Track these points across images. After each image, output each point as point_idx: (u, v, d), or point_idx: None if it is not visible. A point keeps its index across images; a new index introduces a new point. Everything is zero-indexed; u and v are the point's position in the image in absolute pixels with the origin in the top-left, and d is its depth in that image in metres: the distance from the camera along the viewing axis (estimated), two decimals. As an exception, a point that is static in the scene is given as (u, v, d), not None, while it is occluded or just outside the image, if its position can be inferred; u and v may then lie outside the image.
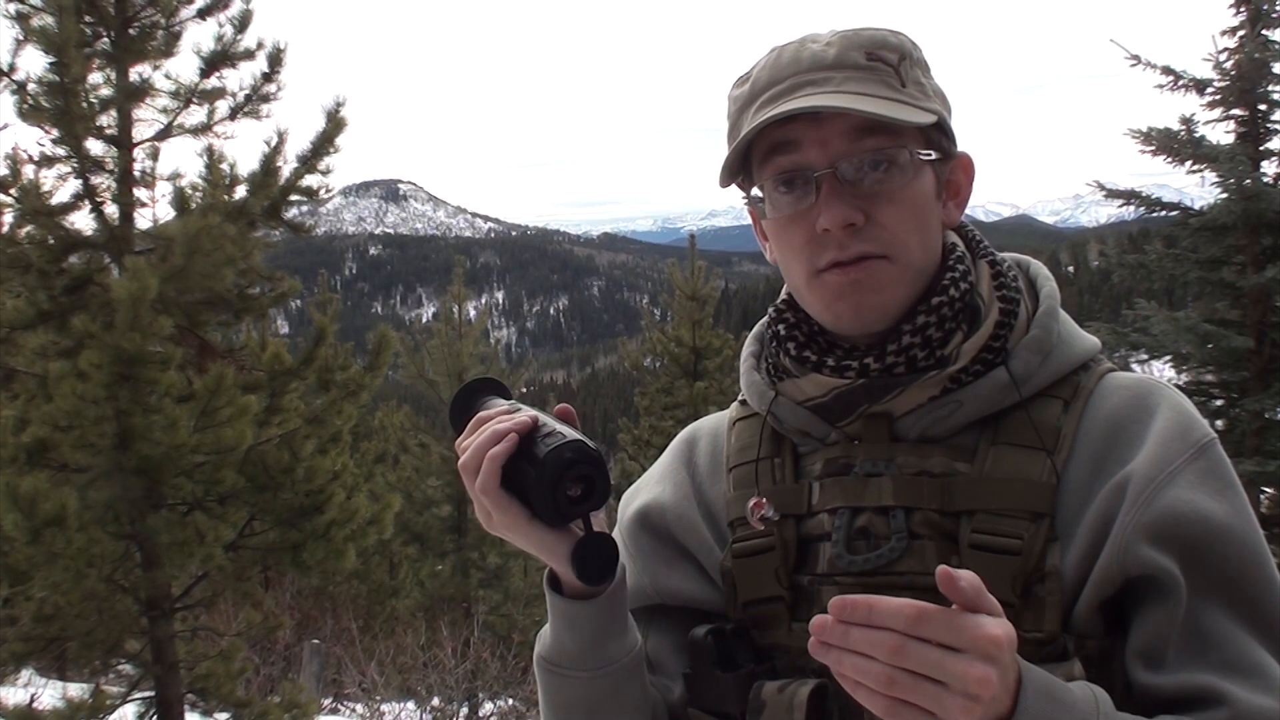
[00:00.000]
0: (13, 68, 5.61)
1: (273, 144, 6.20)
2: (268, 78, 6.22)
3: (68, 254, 5.81)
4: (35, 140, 5.66)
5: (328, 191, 6.40)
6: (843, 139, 1.03)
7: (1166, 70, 8.50)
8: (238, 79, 6.20)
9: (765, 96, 1.06)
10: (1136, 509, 0.99)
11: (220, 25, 6.12)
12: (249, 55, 6.20)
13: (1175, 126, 8.35)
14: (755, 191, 1.10)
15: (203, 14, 6.17)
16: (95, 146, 5.80)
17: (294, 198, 6.24)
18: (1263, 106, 8.32)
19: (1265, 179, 8.12)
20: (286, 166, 6.21)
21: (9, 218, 5.77)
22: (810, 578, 1.08)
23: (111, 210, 5.90)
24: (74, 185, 5.79)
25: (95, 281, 5.76)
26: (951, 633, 0.79)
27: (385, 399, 19.72)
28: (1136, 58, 8.64)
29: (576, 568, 1.02)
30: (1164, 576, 0.97)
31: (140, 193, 6.00)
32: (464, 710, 10.43)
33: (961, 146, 1.12)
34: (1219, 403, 8.32)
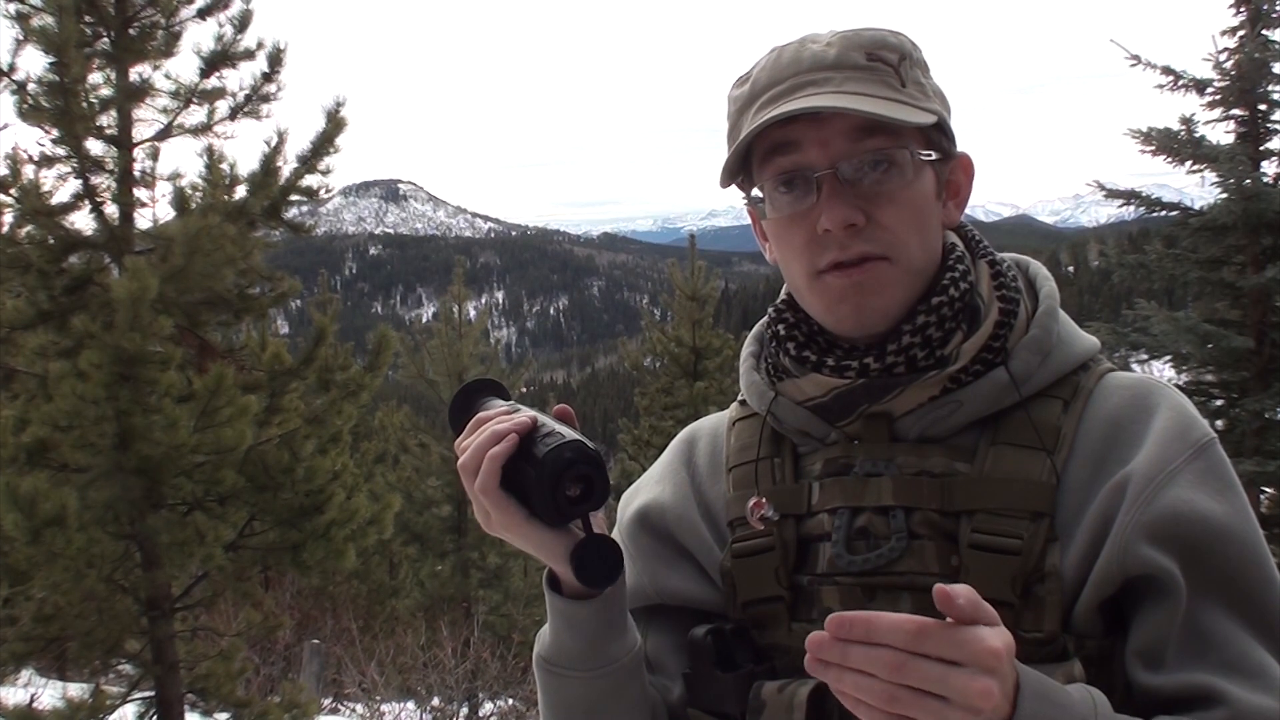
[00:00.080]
0: (13, 68, 5.61)
1: (273, 144, 6.20)
2: (268, 78, 6.23)
3: (68, 254, 5.81)
4: (35, 140, 5.68)
5: (328, 191, 6.40)
6: (843, 139, 1.03)
7: (1166, 70, 8.50)
8: (238, 79, 6.22)
9: (765, 97, 1.06)
10: (1136, 509, 0.99)
11: (220, 25, 6.14)
12: (249, 55, 6.21)
13: (1175, 126, 8.35)
14: (755, 192, 1.10)
15: (203, 14, 6.17)
16: (95, 146, 5.80)
17: (294, 198, 6.24)
18: (1263, 106, 8.31)
19: (1265, 179, 8.12)
20: (286, 166, 6.22)
21: (9, 218, 5.78)
22: (810, 578, 1.08)
23: (111, 210, 5.90)
24: (74, 185, 5.80)
25: (95, 281, 5.76)
26: (952, 647, 0.79)
27: (385, 399, 19.71)
28: (1136, 58, 8.63)
29: (575, 568, 1.02)
30: (1164, 576, 0.97)
31: (140, 193, 6.00)
32: (464, 710, 10.43)
33: (961, 146, 1.12)
34: (1219, 403, 8.32)
